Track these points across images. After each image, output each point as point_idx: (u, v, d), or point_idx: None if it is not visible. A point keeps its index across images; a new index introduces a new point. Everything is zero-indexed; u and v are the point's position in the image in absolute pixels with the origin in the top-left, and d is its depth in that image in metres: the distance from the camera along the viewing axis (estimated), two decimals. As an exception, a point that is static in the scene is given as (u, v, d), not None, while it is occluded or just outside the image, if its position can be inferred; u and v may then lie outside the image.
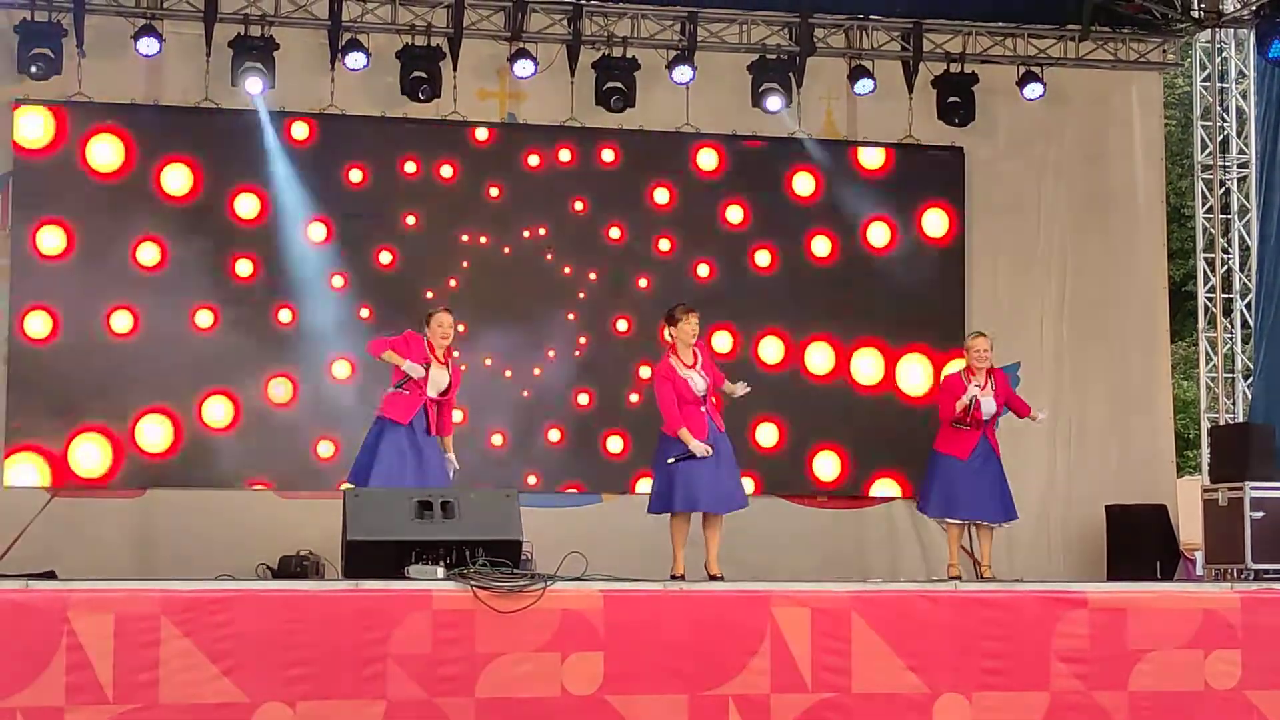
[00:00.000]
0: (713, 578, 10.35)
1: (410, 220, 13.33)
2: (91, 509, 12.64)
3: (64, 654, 8.01)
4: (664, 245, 13.69)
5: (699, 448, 10.46)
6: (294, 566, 12.00)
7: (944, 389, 11.64)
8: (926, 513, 11.71)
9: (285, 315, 13.11)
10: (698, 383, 10.59)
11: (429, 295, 12.84)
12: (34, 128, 12.83)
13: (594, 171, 13.65)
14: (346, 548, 9.10)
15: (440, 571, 8.67)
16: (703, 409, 10.61)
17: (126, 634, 8.06)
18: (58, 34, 12.71)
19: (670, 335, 10.76)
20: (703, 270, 13.75)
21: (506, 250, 13.47)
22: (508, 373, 13.33)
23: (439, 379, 10.50)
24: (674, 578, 10.33)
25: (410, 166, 13.38)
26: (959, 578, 11.05)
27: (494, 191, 13.48)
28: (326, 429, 12.93)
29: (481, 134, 13.52)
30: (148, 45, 12.78)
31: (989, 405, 11.29)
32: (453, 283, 13.30)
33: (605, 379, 13.47)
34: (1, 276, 12.73)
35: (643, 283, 13.60)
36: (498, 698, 8.43)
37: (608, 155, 13.66)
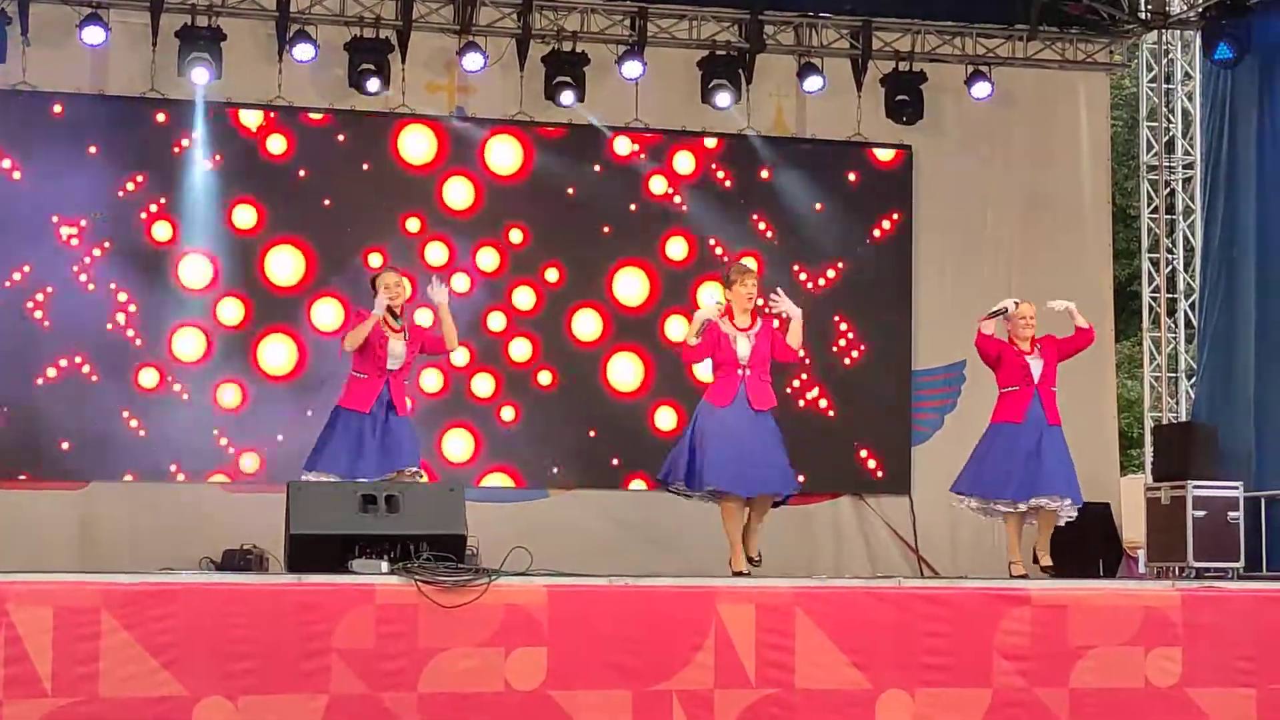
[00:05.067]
0: (748, 560, 10.03)
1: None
2: (33, 501, 12.54)
3: (2, 647, 7.91)
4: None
5: (707, 310, 10.12)
6: (237, 560, 11.92)
7: (980, 345, 10.64)
8: (960, 490, 10.68)
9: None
10: (742, 346, 9.96)
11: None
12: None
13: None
14: (290, 541, 9.05)
15: (384, 566, 8.63)
16: (740, 371, 9.96)
17: (66, 627, 7.97)
18: (2, 22, 12.59)
19: (726, 297, 10.23)
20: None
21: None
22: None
23: (396, 350, 10.23)
24: (735, 574, 9.96)
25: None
26: (1025, 575, 10.32)
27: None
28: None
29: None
30: (93, 34, 12.65)
31: (1038, 366, 10.53)
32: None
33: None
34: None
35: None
36: (441, 692, 8.39)
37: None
